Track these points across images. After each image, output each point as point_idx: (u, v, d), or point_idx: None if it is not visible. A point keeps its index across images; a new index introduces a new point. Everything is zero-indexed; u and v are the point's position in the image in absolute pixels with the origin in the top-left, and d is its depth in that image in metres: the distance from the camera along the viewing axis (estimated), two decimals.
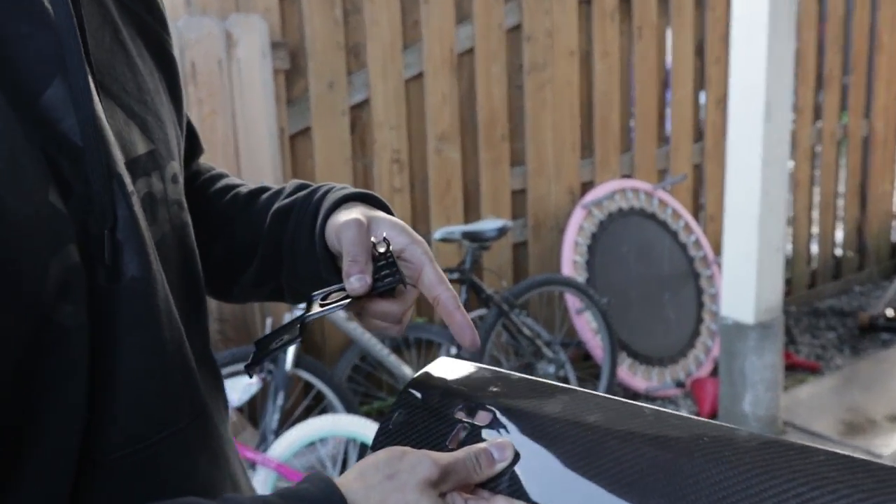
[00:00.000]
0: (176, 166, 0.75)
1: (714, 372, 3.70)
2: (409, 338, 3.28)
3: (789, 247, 4.65)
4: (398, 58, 3.27)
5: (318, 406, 2.91)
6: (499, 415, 0.66)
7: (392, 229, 0.75)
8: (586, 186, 3.87)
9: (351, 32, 3.18)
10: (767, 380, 3.14)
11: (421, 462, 0.62)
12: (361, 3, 3.18)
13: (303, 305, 0.77)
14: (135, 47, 0.74)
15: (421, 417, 0.69)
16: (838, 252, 5.00)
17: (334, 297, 0.71)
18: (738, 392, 3.20)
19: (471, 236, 3.09)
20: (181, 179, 0.76)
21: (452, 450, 0.65)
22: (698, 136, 4.27)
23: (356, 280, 0.70)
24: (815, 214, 4.82)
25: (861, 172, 4.97)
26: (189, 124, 0.88)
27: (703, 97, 4.27)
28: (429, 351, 3.35)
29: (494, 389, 0.70)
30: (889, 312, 4.30)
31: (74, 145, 0.60)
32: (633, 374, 3.65)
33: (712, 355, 3.81)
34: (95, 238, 0.61)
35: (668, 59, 4.16)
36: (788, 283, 4.63)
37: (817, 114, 4.66)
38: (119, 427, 0.63)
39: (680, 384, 3.67)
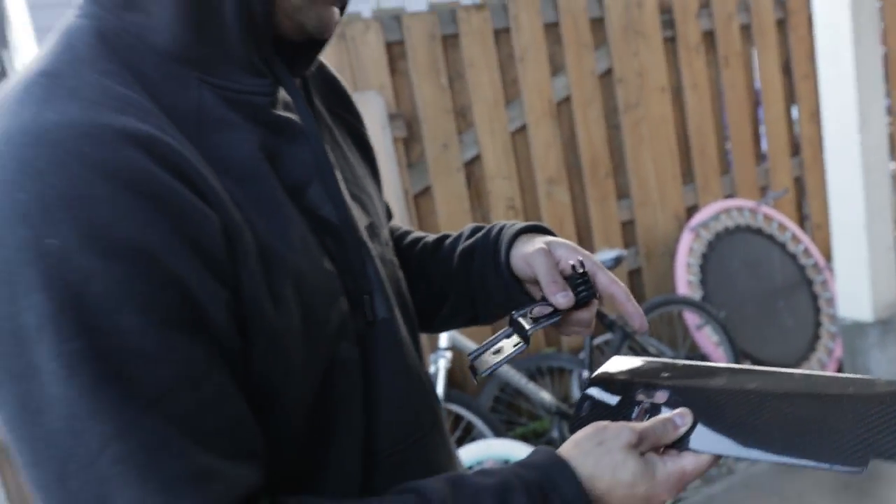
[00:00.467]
0: (386, 233, 0.90)
1: (839, 371, 3.65)
2: (541, 366, 3.39)
3: None
4: (502, 114, 3.44)
5: (467, 436, 3.04)
6: (672, 392, 0.79)
7: (568, 250, 0.86)
8: (691, 210, 3.93)
9: (457, 96, 3.37)
10: (891, 373, 3.11)
11: (622, 430, 0.73)
12: (463, 69, 3.37)
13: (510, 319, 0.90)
14: (345, 143, 0.90)
15: (606, 404, 0.82)
16: None
17: (537, 311, 0.83)
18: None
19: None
20: (391, 242, 0.92)
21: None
22: (795, 150, 4.29)
23: (562, 297, 0.81)
24: None
25: None
26: (381, 184, 1.05)
27: (795, 112, 4.27)
28: (561, 377, 3.44)
29: (665, 374, 0.83)
30: None
31: (333, 226, 0.76)
32: None
33: (835, 356, 3.77)
34: (354, 291, 0.77)
35: (757, 80, 4.18)
36: None
37: None
38: (384, 436, 0.79)
39: None
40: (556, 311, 0.82)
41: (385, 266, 0.85)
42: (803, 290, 3.97)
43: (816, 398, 0.73)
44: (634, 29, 3.72)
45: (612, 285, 0.84)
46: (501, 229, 0.94)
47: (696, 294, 3.68)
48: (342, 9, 0.79)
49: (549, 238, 0.89)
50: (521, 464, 0.74)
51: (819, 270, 3.98)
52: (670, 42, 3.85)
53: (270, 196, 0.71)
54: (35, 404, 0.57)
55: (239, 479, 0.62)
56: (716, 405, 0.76)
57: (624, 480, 0.71)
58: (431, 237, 1.05)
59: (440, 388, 2.81)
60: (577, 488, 0.71)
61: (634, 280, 3.82)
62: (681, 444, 0.75)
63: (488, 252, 0.93)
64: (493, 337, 0.85)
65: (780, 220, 3.99)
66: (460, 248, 0.97)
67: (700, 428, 0.75)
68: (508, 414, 3.41)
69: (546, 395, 3.11)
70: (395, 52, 3.22)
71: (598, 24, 3.65)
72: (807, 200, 4.29)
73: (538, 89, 3.51)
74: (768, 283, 3.91)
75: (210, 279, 0.62)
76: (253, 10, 0.68)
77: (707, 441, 0.74)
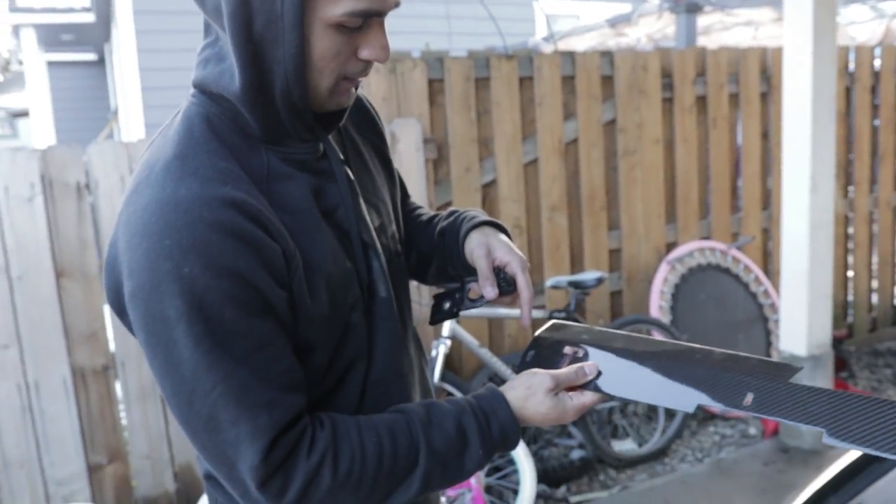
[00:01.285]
0: (393, 228, 1.14)
1: None
2: None
3: (851, 297, 4.85)
4: (518, 147, 3.77)
5: None
6: (588, 348, 1.08)
7: (505, 251, 1.11)
8: (670, 246, 4.24)
9: (482, 129, 3.69)
10: None
11: (545, 377, 1.02)
12: (490, 107, 3.68)
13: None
14: (370, 159, 1.15)
15: (544, 353, 1.11)
16: None
17: (474, 291, 1.13)
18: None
19: (575, 284, 3.53)
20: (398, 236, 1.16)
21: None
22: (765, 204, 4.56)
23: (490, 290, 1.10)
24: (875, 270, 4.98)
25: None
26: (402, 185, 1.28)
27: (769, 173, 4.55)
28: None
29: (585, 336, 1.12)
30: None
31: (351, 236, 1.03)
32: None
33: None
34: (363, 279, 1.05)
35: (739, 141, 4.48)
36: (850, 327, 4.82)
37: (873, 185, 4.87)
38: (376, 372, 1.06)
39: None
40: (480, 299, 1.12)
41: (388, 255, 1.10)
42: (759, 325, 4.28)
43: (676, 359, 1.03)
44: (638, 88, 4.04)
45: (524, 289, 1.09)
46: (463, 220, 1.19)
47: (666, 318, 4.00)
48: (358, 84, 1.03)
49: (494, 238, 1.14)
50: (474, 395, 1.03)
51: (775, 310, 4.28)
52: (668, 102, 4.17)
53: (312, 223, 0.98)
54: (175, 360, 0.87)
55: (292, 405, 0.91)
56: (613, 360, 1.06)
57: (541, 411, 1.02)
58: (427, 215, 1.29)
59: (437, 370, 3.15)
60: (509, 413, 1.01)
61: (615, 300, 4.13)
62: (587, 386, 1.05)
63: (453, 236, 1.19)
64: (446, 293, 1.16)
65: (747, 263, 4.29)
66: (439, 227, 1.23)
67: (601, 376, 1.05)
68: None
69: None
70: (436, 88, 3.56)
71: (607, 80, 3.97)
72: (771, 249, 4.58)
73: (551, 130, 3.83)
74: (730, 317, 4.21)
75: (275, 286, 0.90)
76: (295, 104, 0.94)
77: (604, 385, 1.04)
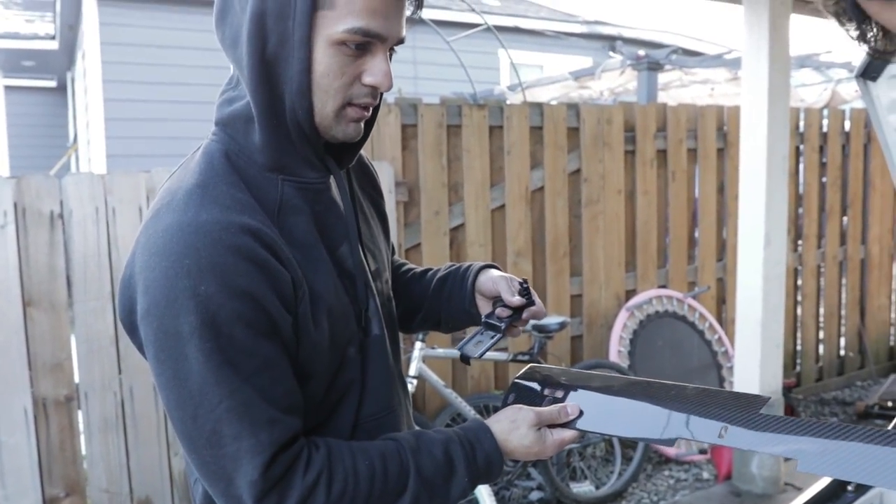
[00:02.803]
0: (387, 274, 1.21)
1: None
2: (489, 405, 3.78)
3: (799, 347, 5.04)
4: (487, 193, 3.88)
5: None
6: (567, 389, 1.14)
7: (514, 280, 1.22)
8: (630, 293, 4.38)
9: (452, 174, 3.79)
10: None
11: (528, 412, 1.09)
12: (461, 153, 3.80)
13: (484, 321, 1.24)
14: (369, 212, 1.21)
15: (524, 395, 1.17)
16: (842, 353, 5.34)
17: (498, 314, 1.19)
18: (747, 457, 3.62)
19: (538, 328, 3.61)
20: (389, 281, 1.23)
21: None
22: (720, 256, 4.75)
23: (517, 299, 1.17)
24: (822, 322, 5.19)
25: (860, 288, 5.36)
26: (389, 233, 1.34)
27: (724, 226, 4.75)
28: None
29: (563, 378, 1.19)
30: (883, 402, 4.61)
31: (351, 274, 1.08)
32: None
33: None
34: (359, 317, 1.09)
35: (697, 194, 4.67)
36: (798, 376, 5.00)
37: (821, 240, 5.11)
38: (368, 406, 1.10)
39: (703, 451, 4.07)
40: (513, 314, 1.18)
41: (381, 299, 1.16)
42: (713, 372, 4.42)
43: (652, 395, 1.09)
44: (603, 140, 4.21)
45: (538, 302, 1.21)
46: (469, 266, 1.30)
47: (624, 362, 4.11)
48: (372, 123, 1.08)
49: (501, 272, 1.28)
50: (461, 426, 1.09)
51: (728, 358, 4.43)
52: (630, 154, 4.34)
53: (318, 257, 1.02)
54: (184, 374, 0.91)
55: (291, 425, 0.95)
56: (592, 398, 1.13)
57: (524, 444, 1.08)
58: (419, 269, 1.39)
59: None
60: (494, 444, 1.07)
61: (576, 344, 4.24)
62: (569, 425, 1.11)
63: (457, 279, 1.28)
64: (469, 336, 1.19)
65: (702, 312, 4.45)
66: (438, 276, 1.32)
67: (581, 415, 1.11)
68: None
69: None
70: (408, 133, 3.67)
71: (573, 132, 4.13)
72: (725, 299, 4.76)
73: (518, 178, 3.95)
74: (685, 363, 4.35)
75: (283, 310, 0.95)
76: (305, 128, 0.99)
77: (584, 423, 1.10)
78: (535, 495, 3.63)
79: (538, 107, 4.02)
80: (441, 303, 1.31)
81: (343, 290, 1.07)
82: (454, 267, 1.33)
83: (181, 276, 0.91)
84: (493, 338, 1.19)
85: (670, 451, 4.06)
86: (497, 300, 1.23)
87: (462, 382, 3.86)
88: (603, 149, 4.20)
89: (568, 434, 1.11)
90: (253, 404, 0.92)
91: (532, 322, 3.74)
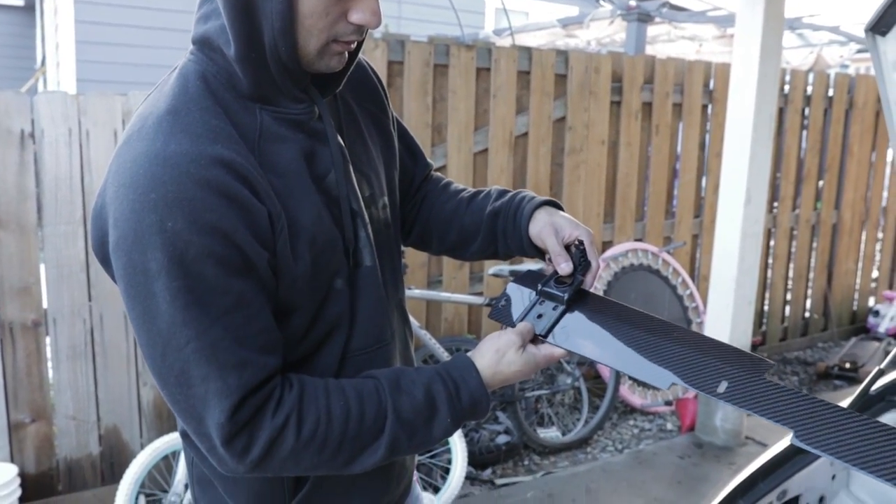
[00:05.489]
0: (385, 200, 1.15)
1: (696, 395, 4.15)
2: (461, 348, 3.79)
3: (767, 307, 5.11)
4: (470, 137, 3.82)
5: None
6: (565, 309, 1.09)
7: (571, 226, 1.12)
8: (606, 245, 4.38)
9: (437, 115, 3.73)
10: None
11: (510, 336, 1.05)
12: (446, 94, 3.72)
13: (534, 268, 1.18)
14: (366, 130, 1.14)
15: (517, 301, 1.14)
16: (807, 314, 5.42)
17: (554, 282, 1.11)
18: (711, 410, 3.67)
19: (515, 274, 3.61)
20: (388, 207, 1.15)
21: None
22: (697, 212, 4.76)
23: (565, 266, 1.11)
24: (790, 283, 5.26)
25: (829, 253, 5.42)
26: (418, 153, 1.30)
27: (703, 182, 4.75)
28: None
29: (564, 292, 1.10)
30: (843, 364, 4.71)
31: (339, 203, 1.03)
32: (632, 393, 4.12)
33: None
34: (349, 247, 1.04)
35: (679, 149, 4.65)
36: (764, 335, 5.08)
37: (796, 203, 5.13)
38: (357, 340, 1.06)
39: (668, 403, 4.13)
40: (574, 280, 1.09)
41: (377, 226, 1.11)
42: (683, 327, 4.45)
43: (653, 333, 1.05)
44: (590, 89, 4.15)
45: (594, 260, 1.12)
46: (521, 201, 1.20)
47: None
48: (357, 51, 1.04)
49: (556, 217, 1.15)
50: (444, 364, 1.05)
51: (699, 314, 4.48)
52: (616, 105, 4.29)
53: (301, 186, 0.97)
54: (153, 313, 0.88)
55: (264, 366, 0.91)
56: (589, 321, 1.07)
57: (514, 370, 1.04)
58: (467, 192, 1.31)
59: None
60: (479, 382, 1.03)
61: None
62: (545, 333, 1.07)
63: (509, 218, 1.21)
64: (526, 308, 1.11)
65: (676, 267, 4.47)
66: (489, 208, 1.24)
67: (560, 330, 1.07)
68: None
69: None
70: (394, 70, 3.57)
71: (561, 79, 4.06)
72: (699, 255, 4.78)
73: (503, 122, 3.89)
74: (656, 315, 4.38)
75: (259, 246, 0.91)
76: (287, 64, 0.94)
77: (577, 347, 1.05)
78: (502, 439, 3.67)
79: (527, 51, 3.93)
80: (496, 238, 1.24)
81: (331, 220, 1.02)
82: (506, 198, 1.24)
83: (148, 210, 0.86)
84: (555, 309, 1.10)
85: (636, 402, 4.12)
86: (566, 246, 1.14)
87: (436, 324, 3.85)
88: (589, 98, 4.15)
89: (557, 351, 1.08)
90: (222, 346, 0.89)
91: (508, 268, 3.71)
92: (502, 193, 1.26)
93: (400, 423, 0.98)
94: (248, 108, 0.97)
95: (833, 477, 1.78)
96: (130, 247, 0.87)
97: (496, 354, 1.05)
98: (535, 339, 1.10)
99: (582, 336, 1.08)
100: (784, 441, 1.76)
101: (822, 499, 1.76)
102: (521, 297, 1.16)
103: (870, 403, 1.88)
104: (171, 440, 2.80)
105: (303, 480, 1.06)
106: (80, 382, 3.05)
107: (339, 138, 1.08)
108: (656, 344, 1.04)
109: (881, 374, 1.84)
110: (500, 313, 1.15)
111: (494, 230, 1.24)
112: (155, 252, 0.86)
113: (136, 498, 2.71)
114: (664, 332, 1.07)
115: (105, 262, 0.94)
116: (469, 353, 1.07)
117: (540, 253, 1.20)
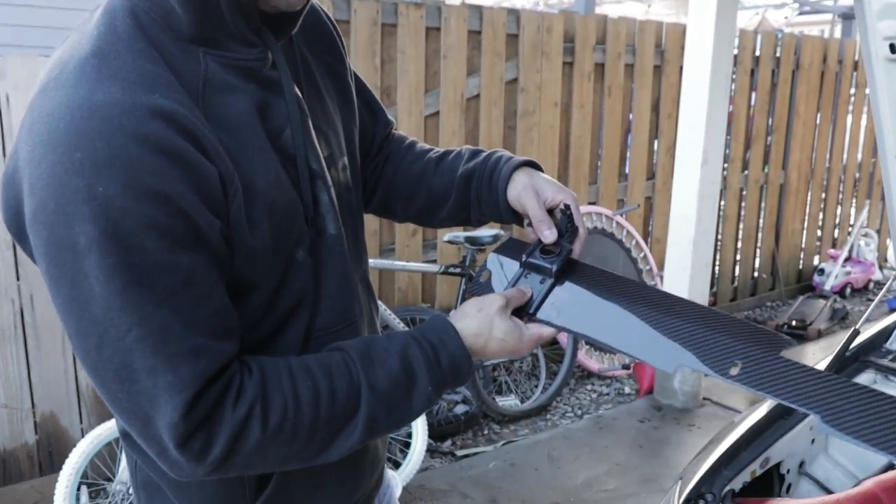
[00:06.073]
0: (345, 160, 1.02)
1: None
2: (416, 318, 3.67)
3: (717, 267, 5.13)
4: (420, 99, 3.67)
5: None
6: (555, 280, 0.99)
7: (553, 189, 1.01)
8: None
9: (385, 77, 3.57)
10: None
11: (495, 297, 0.94)
12: (395, 55, 3.57)
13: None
14: (324, 84, 1.01)
15: (501, 273, 1.03)
16: (756, 274, 5.47)
17: (540, 252, 0.99)
18: (670, 373, 3.64)
19: (471, 240, 3.50)
20: (348, 168, 1.03)
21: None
22: (650, 175, 4.72)
23: (549, 233, 0.99)
24: (740, 244, 5.29)
25: (777, 213, 5.47)
26: (378, 110, 1.17)
27: (656, 144, 4.70)
28: None
29: (553, 263, 1.00)
30: (791, 322, 4.77)
31: (296, 162, 0.89)
32: (589, 358, 4.08)
33: None
34: (309, 212, 0.91)
35: (631, 112, 4.59)
36: (715, 295, 5.10)
37: (745, 164, 5.14)
38: (323, 318, 0.93)
39: (626, 367, 4.11)
40: (562, 249, 0.97)
41: (338, 189, 0.98)
42: None
43: (654, 306, 0.93)
44: (542, 50, 4.03)
45: (581, 226, 1.02)
46: (497, 161, 1.08)
47: None
48: None
49: (537, 178, 1.04)
50: (420, 327, 0.91)
51: (652, 276, 4.46)
52: (568, 66, 4.19)
53: (254, 143, 0.84)
54: (84, 297, 0.73)
55: (220, 353, 0.78)
56: (585, 295, 0.96)
57: (497, 336, 0.92)
58: (436, 152, 1.18)
59: None
60: (460, 344, 0.91)
61: None
62: (552, 323, 0.96)
63: (484, 180, 1.08)
64: (510, 282, 1.00)
65: (629, 230, 4.43)
66: (461, 169, 1.11)
67: (549, 306, 0.96)
68: None
69: None
70: (340, 30, 3.38)
71: (512, 39, 3.93)
72: (653, 217, 4.76)
73: (454, 84, 3.76)
74: None
75: (208, 213, 0.77)
76: (240, 1, 0.82)
77: (570, 323, 0.95)
78: (460, 409, 3.58)
79: (477, 9, 3.78)
80: (469, 202, 1.11)
81: (289, 183, 0.88)
82: (479, 159, 1.12)
83: (72, 173, 0.71)
84: (542, 282, 0.98)
85: (593, 366, 4.08)
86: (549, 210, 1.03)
87: (389, 294, 3.73)
88: (541, 58, 4.03)
89: (547, 330, 0.96)
90: (170, 332, 0.75)
91: (464, 235, 3.59)
92: (475, 153, 1.13)
93: (376, 398, 0.86)
94: (190, 52, 0.82)
95: (812, 441, 1.73)
96: (52, 218, 0.72)
97: (478, 314, 0.93)
98: (522, 316, 0.98)
99: (574, 312, 0.96)
100: (761, 409, 1.70)
101: (802, 463, 1.71)
102: (502, 269, 1.04)
103: (845, 365, 1.84)
104: (115, 426, 2.62)
105: (266, 479, 0.93)
106: (10, 368, 2.83)
107: (297, 90, 0.93)
108: (658, 320, 0.93)
109: (856, 334, 1.79)
110: (481, 289, 1.03)
111: (467, 194, 1.11)
112: (83, 224, 0.71)
113: (78, 488, 2.54)
114: (666, 305, 0.95)
115: (20, 237, 0.78)
116: (449, 315, 0.95)
117: (518, 218, 1.09)
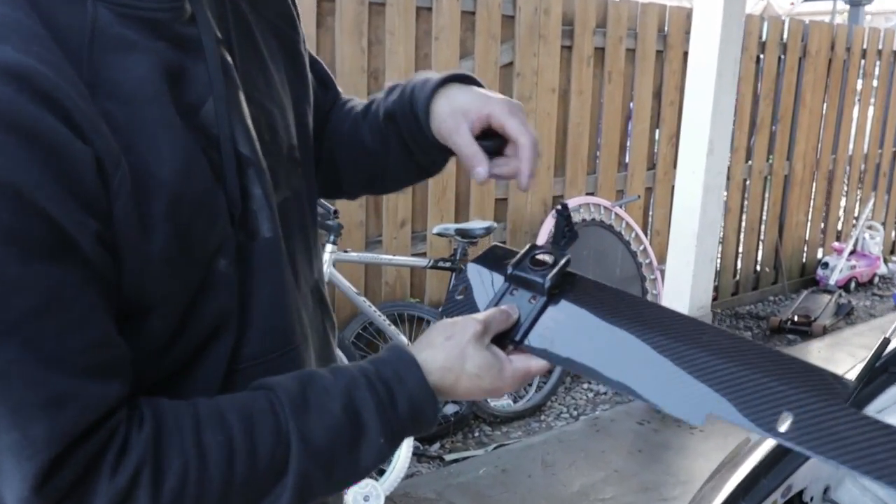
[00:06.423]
0: (294, 142, 0.82)
1: None
2: (404, 313, 3.49)
3: (719, 260, 4.94)
4: None
5: None
6: (549, 299, 0.80)
7: (476, 106, 0.81)
8: (557, 199, 4.11)
9: (373, 59, 3.38)
10: None
11: (469, 323, 0.75)
12: (383, 36, 3.38)
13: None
14: (268, 50, 0.82)
15: (481, 287, 0.84)
16: (759, 268, 5.29)
17: (529, 264, 0.81)
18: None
19: (462, 233, 3.31)
20: (296, 153, 0.83)
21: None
22: (651, 165, 4.53)
23: (481, 170, 0.81)
24: (742, 236, 5.11)
25: (781, 205, 5.28)
26: (330, 83, 0.97)
27: (657, 133, 4.51)
28: (419, 326, 3.54)
29: (546, 277, 0.82)
30: (795, 318, 4.59)
31: (220, 144, 0.70)
32: None
33: None
34: (236, 210, 0.72)
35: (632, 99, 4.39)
36: (716, 289, 4.92)
37: (749, 154, 4.95)
38: (252, 346, 0.74)
39: None
40: (555, 261, 0.80)
41: (284, 176, 0.80)
42: (636, 283, 4.25)
43: (672, 336, 0.73)
44: (539, 32, 3.83)
45: (521, 135, 0.81)
46: (413, 91, 0.87)
47: None
48: None
49: (458, 98, 0.84)
50: (371, 360, 0.74)
51: (652, 270, 4.27)
52: (567, 50, 3.99)
53: (158, 118, 0.65)
54: None
55: (96, 398, 0.59)
56: (587, 318, 0.77)
57: (470, 371, 0.73)
58: (361, 103, 0.98)
59: None
60: (422, 382, 0.72)
61: None
62: (545, 355, 0.77)
63: (408, 116, 0.88)
64: (492, 300, 0.82)
65: (629, 222, 4.23)
66: (382, 110, 0.91)
67: (540, 331, 0.78)
68: (367, 350, 3.49)
69: (404, 340, 3.22)
70: (325, 9, 3.19)
71: (508, 20, 3.73)
72: (653, 209, 4.57)
73: (446, 67, 3.55)
74: (609, 273, 4.16)
75: (79, 211, 0.58)
76: None
77: (569, 353, 0.76)
78: (450, 409, 3.40)
79: None
80: (408, 147, 0.90)
81: (210, 172, 0.69)
82: (396, 93, 0.90)
83: None
84: (532, 300, 0.79)
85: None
86: (488, 136, 0.81)
87: (375, 289, 3.54)
88: (538, 41, 3.83)
89: (535, 364, 0.77)
90: (20, 373, 0.56)
91: (454, 227, 3.40)
92: (391, 89, 0.92)
93: (310, 453, 0.67)
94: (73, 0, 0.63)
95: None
96: None
97: (446, 343, 0.74)
98: (506, 345, 0.78)
99: (572, 339, 0.77)
100: None
101: (826, 489, 1.53)
102: (484, 284, 0.84)
103: (874, 376, 1.65)
104: None
105: None
106: None
107: (226, 53, 0.73)
108: (683, 354, 0.72)
109: (887, 343, 1.61)
110: (457, 308, 0.83)
111: (400, 138, 0.90)
112: None
113: None
114: (691, 334, 0.75)
115: None
116: (411, 345, 0.76)
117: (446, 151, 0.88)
